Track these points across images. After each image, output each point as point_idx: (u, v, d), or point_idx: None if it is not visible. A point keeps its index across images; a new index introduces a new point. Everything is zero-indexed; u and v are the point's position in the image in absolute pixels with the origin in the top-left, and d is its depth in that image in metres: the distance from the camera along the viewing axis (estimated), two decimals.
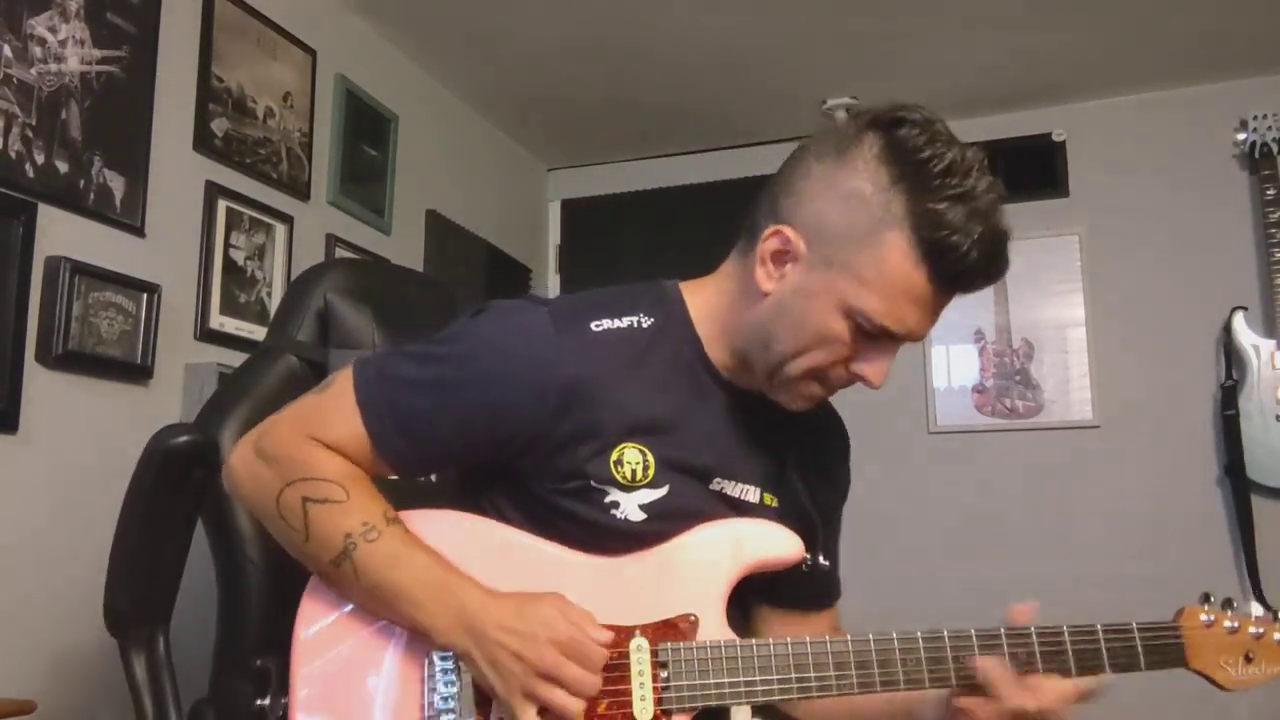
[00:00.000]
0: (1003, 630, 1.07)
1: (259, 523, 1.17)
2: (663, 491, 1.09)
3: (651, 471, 1.09)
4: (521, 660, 0.98)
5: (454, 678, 1.02)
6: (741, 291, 1.14)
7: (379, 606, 1.04)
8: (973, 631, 1.07)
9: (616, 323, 1.12)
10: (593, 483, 1.08)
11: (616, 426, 1.08)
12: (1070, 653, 1.08)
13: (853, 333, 1.07)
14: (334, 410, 1.08)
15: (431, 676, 1.02)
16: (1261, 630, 1.12)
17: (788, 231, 1.08)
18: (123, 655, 1.17)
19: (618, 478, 1.08)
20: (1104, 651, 1.09)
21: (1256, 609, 1.13)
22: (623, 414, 1.09)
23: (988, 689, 1.04)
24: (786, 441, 1.21)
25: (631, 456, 1.08)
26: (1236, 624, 1.12)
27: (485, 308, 1.15)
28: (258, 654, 1.19)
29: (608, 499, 1.08)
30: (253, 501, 1.09)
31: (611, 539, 1.08)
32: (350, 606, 1.07)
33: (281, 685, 1.06)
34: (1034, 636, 1.08)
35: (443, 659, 1.03)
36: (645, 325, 1.13)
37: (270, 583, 1.23)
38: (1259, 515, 3.03)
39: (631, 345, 1.11)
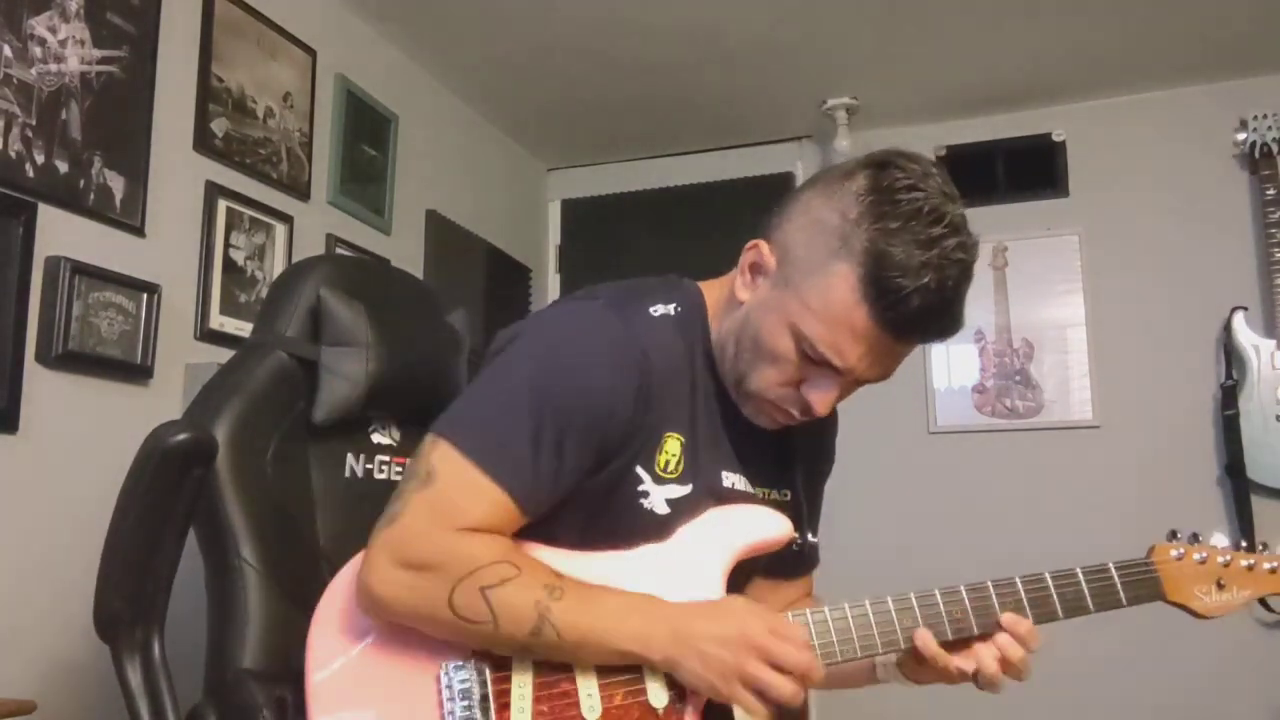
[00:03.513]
0: (990, 583, 1.13)
1: (252, 521, 1.18)
2: (687, 489, 1.13)
3: (681, 467, 1.12)
4: (729, 646, 1.01)
5: (470, 686, 1.03)
6: (729, 298, 1.18)
7: (584, 653, 1.04)
8: (962, 588, 1.12)
9: (666, 308, 1.16)
10: (636, 467, 1.10)
11: (668, 411, 1.12)
12: (1055, 597, 1.14)
13: (799, 355, 1.09)
14: (462, 492, 1.04)
15: (449, 686, 1.03)
16: (1228, 559, 1.19)
17: (763, 247, 1.13)
18: (115, 660, 1.15)
19: (656, 467, 1.11)
20: (1086, 593, 1.15)
21: (1221, 539, 1.20)
22: (672, 399, 1.12)
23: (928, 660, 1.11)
24: (788, 433, 1.23)
25: (671, 447, 1.12)
26: (1205, 555, 1.19)
27: (539, 321, 1.16)
28: (255, 658, 1.19)
29: (641, 486, 1.11)
30: (417, 614, 1.04)
31: (636, 526, 1.11)
32: (358, 637, 1.06)
33: (300, 715, 1.06)
34: (1020, 585, 1.14)
35: (457, 669, 1.04)
36: (677, 313, 1.17)
37: (265, 583, 1.22)
38: (1259, 515, 3.03)
39: (673, 332, 1.15)
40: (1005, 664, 1.11)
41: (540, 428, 1.05)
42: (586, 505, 1.11)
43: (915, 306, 1.02)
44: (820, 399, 1.10)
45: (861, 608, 1.11)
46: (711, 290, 1.22)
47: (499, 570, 1.02)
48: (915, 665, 1.14)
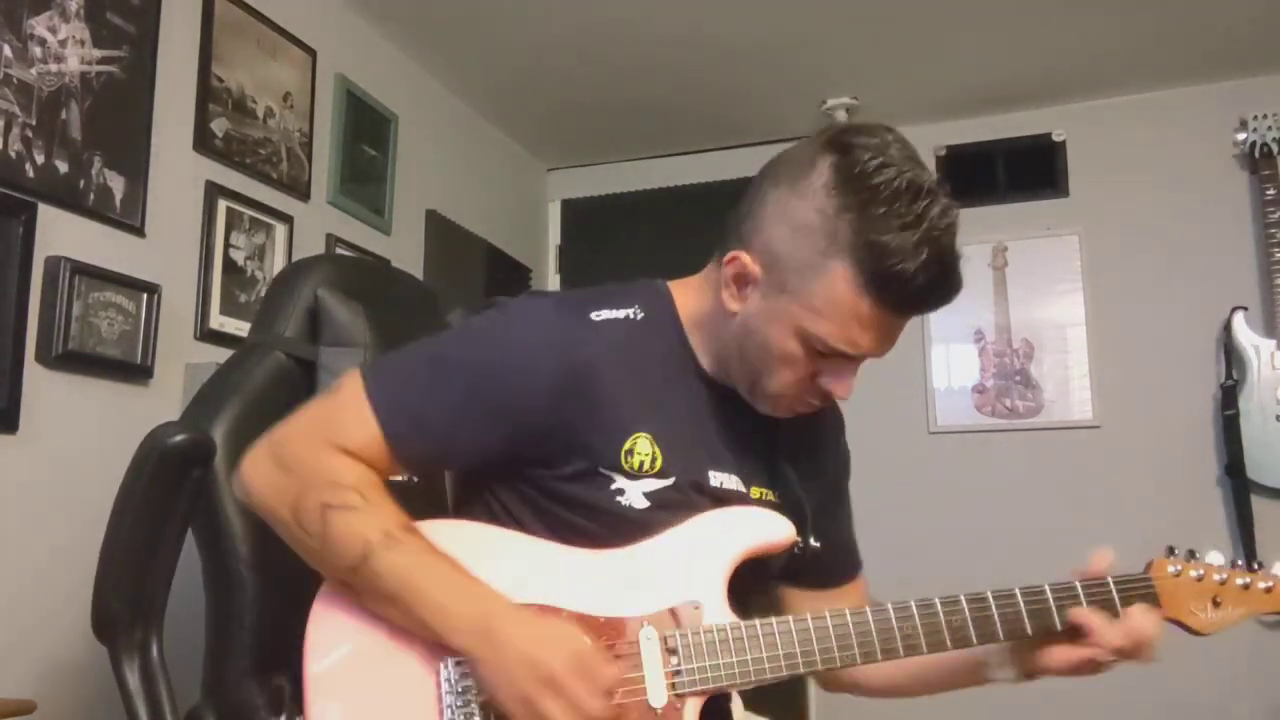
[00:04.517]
0: (990, 594, 1.13)
1: (251, 521, 1.18)
2: (668, 482, 1.12)
3: (659, 464, 1.12)
4: (531, 666, 0.98)
5: (471, 682, 1.03)
6: (717, 305, 1.17)
7: (393, 611, 1.03)
8: (962, 598, 1.12)
9: (614, 313, 1.16)
10: (601, 469, 1.10)
11: (624, 415, 1.11)
12: (1054, 609, 1.14)
13: (810, 353, 1.10)
14: (349, 415, 1.08)
15: (449, 680, 1.03)
16: (1224, 576, 1.19)
17: (745, 257, 1.12)
18: (113, 661, 1.15)
19: (625, 467, 1.11)
20: (1084, 606, 1.14)
21: (1217, 557, 1.21)
22: (628, 402, 1.12)
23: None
24: (776, 432, 1.23)
25: (643, 448, 1.11)
26: (1201, 572, 1.19)
27: (490, 304, 1.19)
28: (254, 659, 1.19)
29: (613, 485, 1.11)
30: (268, 508, 1.08)
31: (615, 524, 1.11)
32: (358, 628, 1.07)
33: (297, 704, 1.06)
34: (1019, 598, 1.14)
35: (458, 664, 1.04)
36: (639, 318, 1.17)
37: (263, 584, 1.22)
38: (1259, 515, 3.03)
39: (629, 336, 1.15)
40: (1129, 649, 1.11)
41: (436, 387, 1.09)
42: (569, 510, 1.12)
43: (921, 283, 1.04)
44: (841, 386, 1.12)
45: (862, 615, 1.11)
46: (684, 291, 1.22)
47: (346, 495, 1.04)
48: (1033, 653, 1.15)
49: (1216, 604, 1.18)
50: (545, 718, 0.97)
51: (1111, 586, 1.16)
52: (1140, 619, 1.12)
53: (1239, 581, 1.19)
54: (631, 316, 1.16)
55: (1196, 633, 1.18)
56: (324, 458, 1.06)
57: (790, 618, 1.10)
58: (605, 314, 1.15)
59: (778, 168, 1.14)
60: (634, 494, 1.11)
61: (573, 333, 1.12)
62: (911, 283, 1.03)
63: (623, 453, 1.10)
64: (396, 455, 1.08)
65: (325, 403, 1.11)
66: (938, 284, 1.05)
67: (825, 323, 1.07)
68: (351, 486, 1.05)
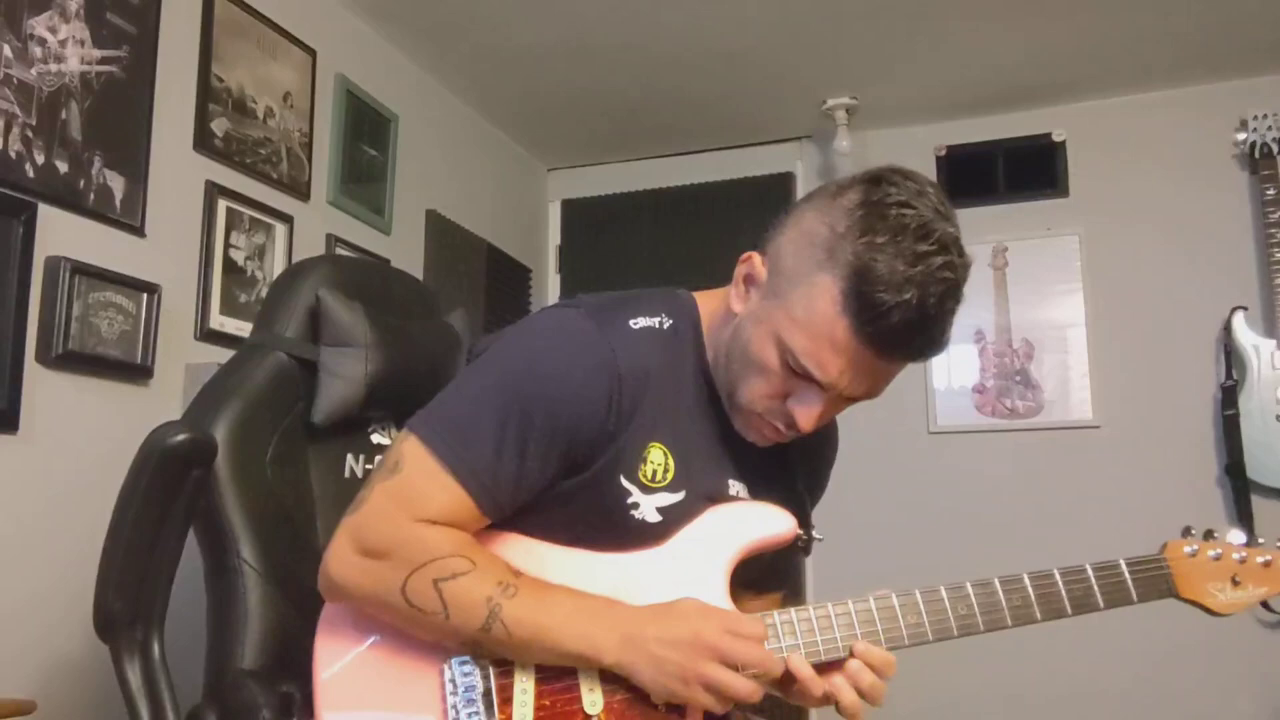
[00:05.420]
0: (996, 580, 1.13)
1: (252, 521, 1.17)
2: (678, 497, 1.13)
3: (671, 475, 1.12)
4: (686, 647, 1.01)
5: (473, 681, 1.04)
6: (725, 311, 1.18)
7: (532, 651, 1.04)
8: (968, 584, 1.12)
9: (649, 321, 1.16)
10: (622, 479, 1.11)
11: (649, 422, 1.12)
12: (1064, 593, 1.14)
13: (783, 367, 1.08)
14: (424, 484, 1.06)
15: (452, 681, 1.05)
16: (1244, 555, 1.17)
17: (755, 258, 1.14)
18: (115, 661, 1.16)
19: (642, 477, 1.11)
20: (1096, 589, 1.15)
21: (1237, 536, 1.19)
22: (654, 410, 1.12)
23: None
24: (786, 449, 1.23)
25: (656, 457, 1.12)
26: (1219, 551, 1.17)
27: (519, 328, 1.17)
28: (255, 658, 1.19)
29: (630, 499, 1.11)
30: (372, 599, 1.06)
31: (625, 534, 1.12)
32: (364, 636, 1.08)
33: (307, 710, 1.07)
34: (1027, 582, 1.14)
35: (460, 664, 1.05)
36: (666, 327, 1.17)
37: (264, 584, 1.22)
38: (1259, 515, 3.03)
39: (660, 344, 1.15)
40: (858, 692, 1.09)
41: (505, 430, 1.06)
42: (579, 517, 1.12)
43: (895, 322, 1.01)
44: (804, 414, 1.10)
45: (866, 603, 1.11)
46: (708, 301, 1.22)
47: (454, 563, 1.03)
48: (784, 684, 1.13)
49: (1236, 583, 1.16)
50: (720, 686, 1.01)
51: (1123, 568, 1.16)
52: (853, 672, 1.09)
53: (1259, 559, 1.17)
54: (660, 325, 1.16)
55: (1215, 613, 1.17)
56: (416, 534, 1.05)
57: (792, 610, 1.11)
58: (642, 321, 1.15)
59: (818, 188, 1.15)
60: (648, 509, 1.11)
61: (614, 344, 1.11)
62: (887, 317, 1.01)
63: (639, 460, 1.11)
64: (484, 510, 1.08)
65: (394, 479, 1.07)
66: (915, 329, 1.02)
67: (800, 335, 1.06)
68: (453, 553, 1.04)
